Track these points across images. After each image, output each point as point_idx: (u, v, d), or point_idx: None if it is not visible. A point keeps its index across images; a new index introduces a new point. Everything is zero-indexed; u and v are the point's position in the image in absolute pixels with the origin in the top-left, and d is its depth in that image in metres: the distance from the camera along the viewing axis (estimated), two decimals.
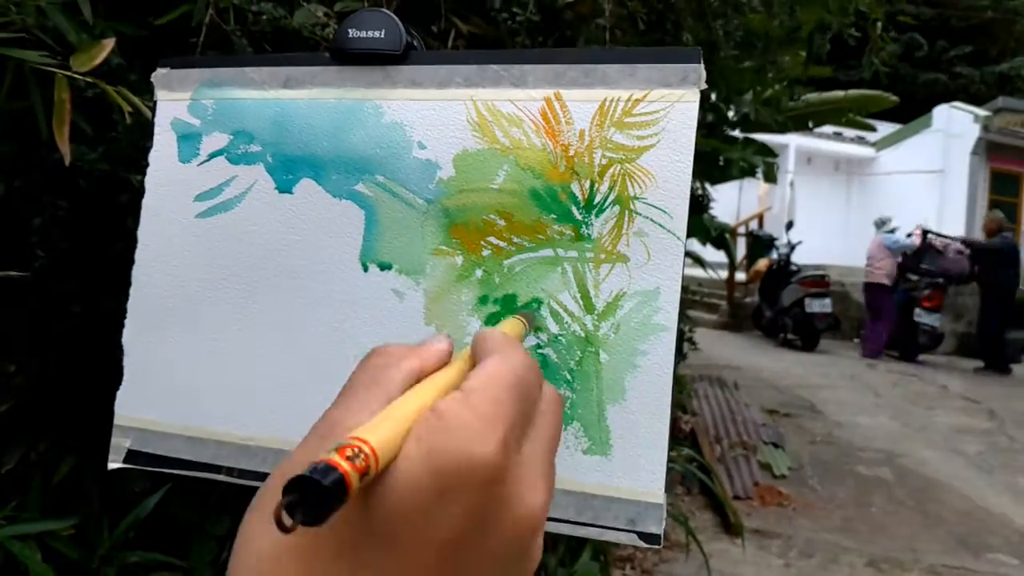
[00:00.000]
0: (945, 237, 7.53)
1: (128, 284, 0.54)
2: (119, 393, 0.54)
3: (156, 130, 0.55)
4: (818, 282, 7.60)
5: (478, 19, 1.39)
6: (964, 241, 7.37)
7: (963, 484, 3.57)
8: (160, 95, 0.55)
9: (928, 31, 16.56)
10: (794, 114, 4.53)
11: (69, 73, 0.75)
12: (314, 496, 0.21)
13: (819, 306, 7.47)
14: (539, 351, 0.46)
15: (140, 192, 0.54)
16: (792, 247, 8.15)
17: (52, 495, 0.95)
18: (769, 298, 8.11)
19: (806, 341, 7.59)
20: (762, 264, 8.41)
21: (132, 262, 0.54)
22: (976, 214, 11.76)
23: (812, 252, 9.24)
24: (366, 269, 0.50)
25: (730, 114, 4.09)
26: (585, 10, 1.48)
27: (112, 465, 0.53)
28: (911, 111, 11.97)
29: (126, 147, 0.89)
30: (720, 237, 5.00)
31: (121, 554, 0.96)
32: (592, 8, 1.48)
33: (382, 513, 0.24)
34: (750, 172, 4.49)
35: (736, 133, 4.43)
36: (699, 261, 4.77)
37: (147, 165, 0.55)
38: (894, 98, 5.06)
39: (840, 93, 4.85)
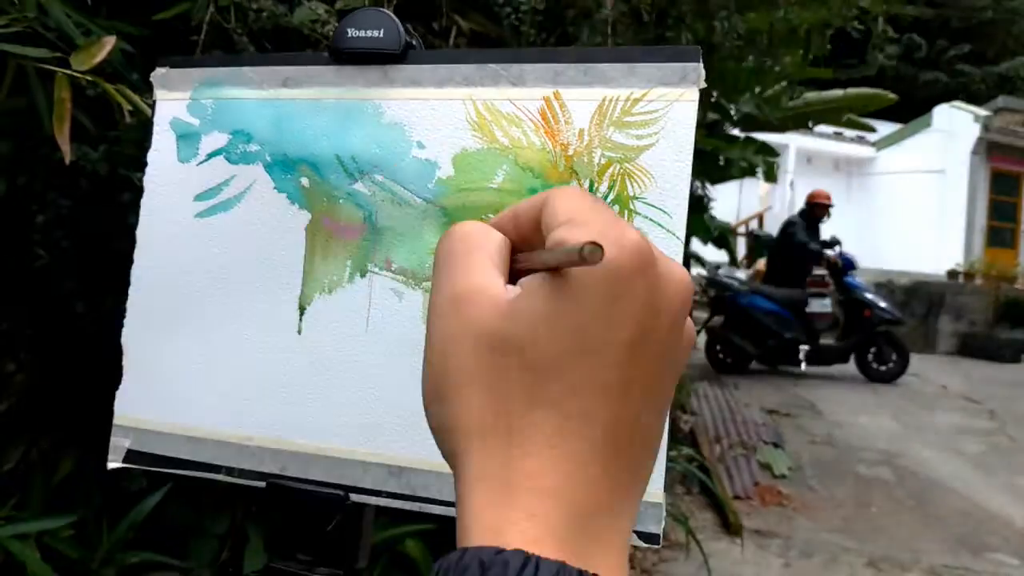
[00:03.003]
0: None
1: (128, 283, 0.54)
2: (118, 393, 0.54)
3: (155, 130, 0.54)
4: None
5: (479, 16, 1.39)
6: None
7: (963, 484, 3.57)
8: (159, 94, 0.55)
9: (928, 31, 16.56)
10: (794, 113, 4.53)
11: (69, 72, 0.75)
12: None
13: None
14: None
15: (141, 191, 0.54)
16: None
17: (53, 494, 0.95)
18: None
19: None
20: (762, 264, 8.41)
21: (132, 261, 0.54)
22: (976, 214, 11.77)
23: None
24: (365, 269, 0.50)
25: (731, 113, 4.09)
26: (587, 5, 1.48)
27: (111, 465, 0.53)
28: (911, 111, 11.96)
29: (128, 146, 0.89)
30: (722, 236, 4.99)
31: (121, 554, 0.96)
32: (593, 3, 1.48)
33: (574, 323, 0.25)
34: (750, 172, 4.49)
35: (736, 132, 4.42)
36: (700, 261, 4.76)
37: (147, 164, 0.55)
38: (892, 96, 5.05)
39: (839, 92, 4.85)
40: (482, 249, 0.29)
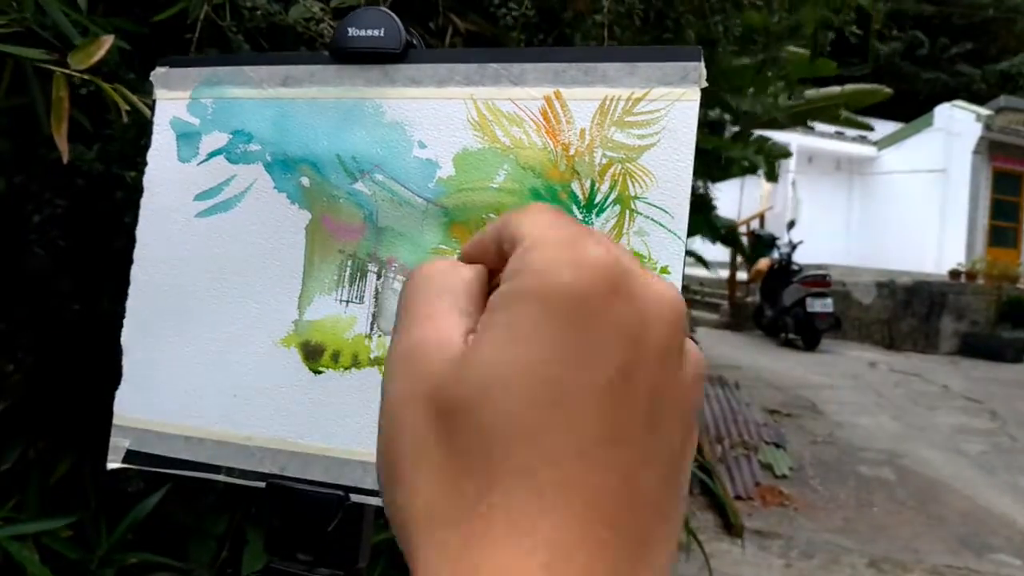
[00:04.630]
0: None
1: (126, 283, 0.54)
2: (118, 393, 0.53)
3: (155, 129, 0.54)
4: (819, 282, 7.61)
5: (476, 16, 1.39)
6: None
7: (965, 484, 3.57)
8: (159, 94, 0.55)
9: (930, 29, 16.54)
10: (792, 111, 4.53)
11: (67, 71, 0.75)
12: None
13: (820, 306, 7.47)
14: None
15: (135, 189, 0.54)
16: (793, 246, 8.15)
17: (50, 495, 0.95)
18: (770, 298, 8.11)
19: (807, 341, 7.59)
20: (763, 264, 8.42)
21: (131, 261, 0.54)
22: (978, 213, 11.76)
23: (813, 251, 9.25)
24: (365, 269, 0.50)
25: (729, 115, 4.09)
26: (583, 7, 1.48)
27: (111, 465, 0.53)
28: (913, 110, 11.95)
29: (121, 145, 0.89)
30: (730, 234, 4.99)
31: (120, 555, 0.96)
32: (590, 5, 1.48)
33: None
34: (751, 170, 4.49)
35: (736, 132, 4.43)
36: (701, 260, 4.77)
37: (144, 163, 0.54)
38: (887, 90, 5.06)
39: (836, 89, 4.86)
40: (444, 291, 0.24)
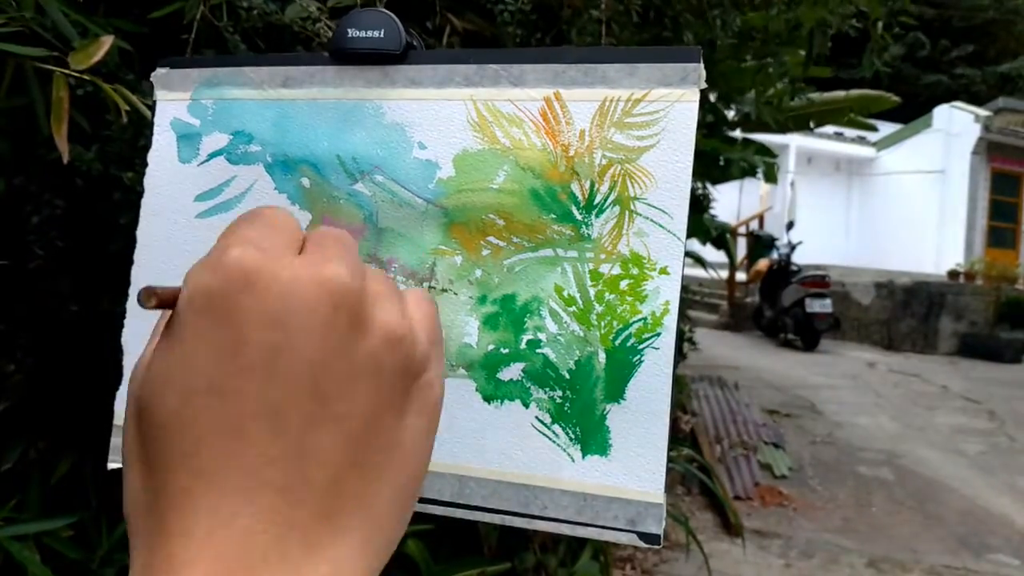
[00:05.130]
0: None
1: (126, 283, 0.54)
2: (119, 393, 0.53)
3: (155, 130, 0.54)
4: (818, 282, 7.62)
5: (473, 15, 1.39)
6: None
7: (963, 484, 3.57)
8: (159, 95, 0.55)
9: (930, 31, 16.56)
10: (795, 114, 4.53)
11: (67, 71, 0.75)
12: None
13: (819, 306, 7.48)
14: (538, 351, 0.46)
15: (131, 190, 0.54)
16: (793, 247, 8.16)
17: (51, 495, 0.95)
18: (770, 298, 8.12)
19: (806, 341, 7.60)
20: (763, 264, 8.43)
21: (131, 262, 0.54)
22: (977, 214, 11.78)
23: (813, 252, 9.26)
24: None
25: (730, 114, 4.09)
26: (580, 3, 1.48)
27: (112, 465, 0.53)
28: (912, 111, 11.96)
29: (119, 146, 0.89)
30: (720, 237, 5.00)
31: (120, 554, 0.96)
32: (587, 2, 1.48)
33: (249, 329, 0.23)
34: (750, 172, 4.49)
35: (736, 133, 4.43)
36: (700, 261, 4.77)
37: (142, 164, 0.54)
38: (895, 98, 5.05)
39: (841, 93, 4.85)
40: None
